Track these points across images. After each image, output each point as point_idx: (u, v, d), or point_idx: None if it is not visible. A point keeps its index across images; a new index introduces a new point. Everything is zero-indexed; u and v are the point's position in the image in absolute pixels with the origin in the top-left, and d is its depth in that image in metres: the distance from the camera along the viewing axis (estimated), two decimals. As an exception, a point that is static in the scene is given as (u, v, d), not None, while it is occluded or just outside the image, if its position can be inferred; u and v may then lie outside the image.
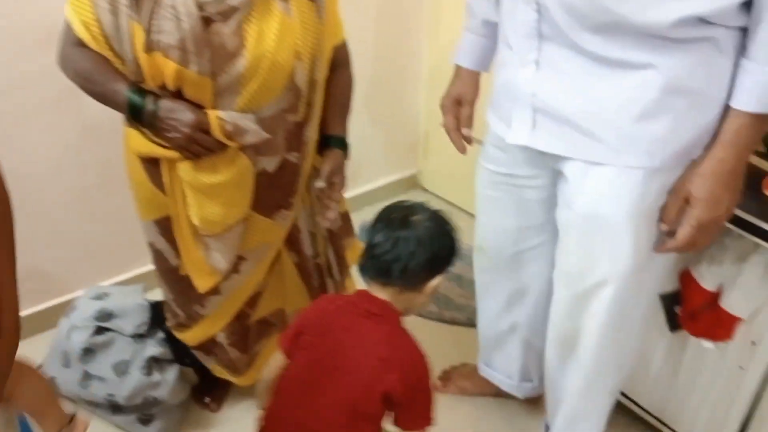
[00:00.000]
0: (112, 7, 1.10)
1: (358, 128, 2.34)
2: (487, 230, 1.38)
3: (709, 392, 1.40)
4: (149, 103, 1.16)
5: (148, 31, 1.10)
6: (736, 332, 1.29)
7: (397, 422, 1.13)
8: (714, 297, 1.28)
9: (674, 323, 1.38)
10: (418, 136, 2.56)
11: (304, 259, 1.49)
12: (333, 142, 1.39)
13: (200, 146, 1.19)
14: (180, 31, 1.09)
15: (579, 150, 1.06)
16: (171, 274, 1.41)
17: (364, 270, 1.12)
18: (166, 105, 1.17)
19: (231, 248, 1.35)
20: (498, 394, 1.67)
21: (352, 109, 1.44)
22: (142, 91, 1.17)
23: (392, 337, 1.10)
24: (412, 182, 2.65)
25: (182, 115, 1.16)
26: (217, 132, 1.18)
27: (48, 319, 1.83)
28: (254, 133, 1.20)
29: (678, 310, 1.36)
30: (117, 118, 1.44)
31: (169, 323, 1.52)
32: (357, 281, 1.61)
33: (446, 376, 1.76)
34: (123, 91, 1.17)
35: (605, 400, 1.31)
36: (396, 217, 1.10)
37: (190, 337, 1.50)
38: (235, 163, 1.24)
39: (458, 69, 1.37)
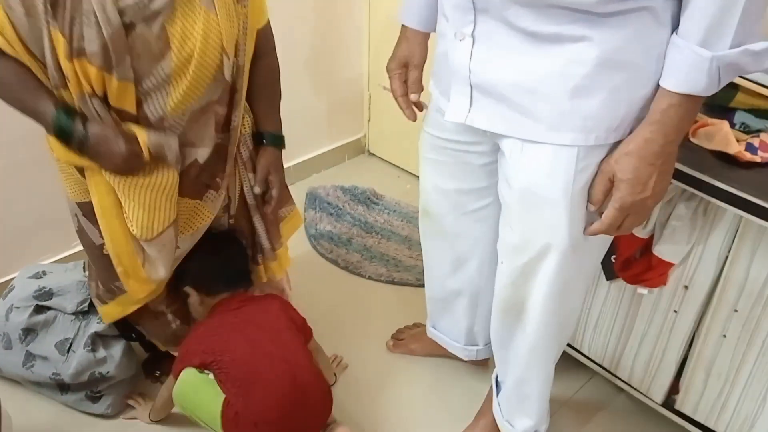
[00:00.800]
0: (26, 10, 1.06)
1: (301, 93, 2.33)
2: (429, 194, 1.38)
3: (647, 336, 1.45)
4: (78, 129, 1.14)
5: (69, 39, 1.07)
6: (669, 277, 1.34)
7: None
8: (646, 244, 1.32)
9: (610, 273, 1.43)
10: (363, 100, 2.54)
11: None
12: (267, 138, 1.41)
13: (131, 168, 1.20)
14: (101, 38, 1.07)
15: (515, 128, 1.04)
16: (94, 250, 1.38)
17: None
18: (96, 132, 1.14)
19: (168, 252, 1.33)
20: (447, 355, 1.70)
21: (280, 95, 1.44)
22: (69, 113, 1.14)
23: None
24: (358, 147, 2.64)
25: (114, 146, 1.15)
26: (147, 156, 1.18)
27: None
28: (174, 152, 1.22)
29: (613, 258, 1.40)
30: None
31: (91, 293, 1.49)
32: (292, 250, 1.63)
33: (398, 336, 1.79)
34: (50, 112, 1.14)
35: (549, 367, 1.34)
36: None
37: (106, 312, 1.46)
38: (160, 171, 1.23)
39: (404, 29, 1.31)
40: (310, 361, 1.45)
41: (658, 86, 0.95)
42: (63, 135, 1.15)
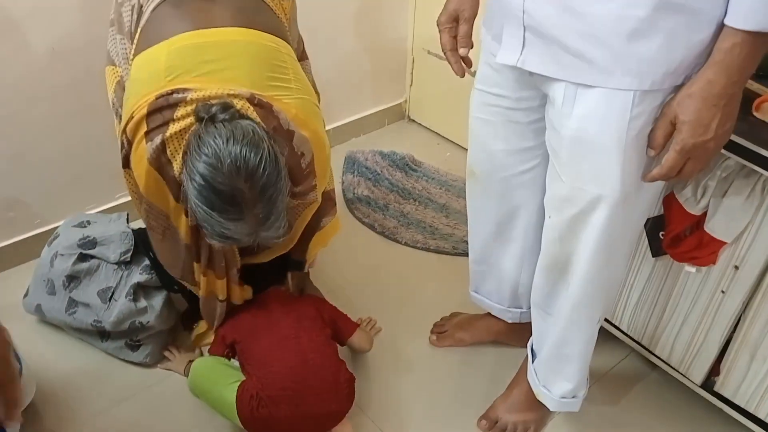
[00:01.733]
0: None
1: (344, 56, 2.30)
2: (478, 154, 1.36)
3: (690, 316, 1.42)
4: None
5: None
6: (719, 257, 1.30)
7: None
8: (698, 221, 1.28)
9: (657, 248, 1.39)
10: (406, 64, 2.50)
11: None
12: (290, 264, 1.59)
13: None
14: None
15: (568, 72, 1.02)
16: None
17: None
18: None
19: None
20: (495, 340, 1.69)
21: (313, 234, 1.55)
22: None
23: None
24: (399, 112, 2.61)
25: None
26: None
27: (31, 249, 1.82)
28: None
29: (661, 235, 1.36)
30: (87, 37, 1.37)
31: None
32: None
33: (439, 330, 1.74)
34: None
35: (592, 328, 1.33)
36: None
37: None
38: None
39: None
40: (329, 349, 1.46)
41: (716, 30, 0.93)
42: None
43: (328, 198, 1.54)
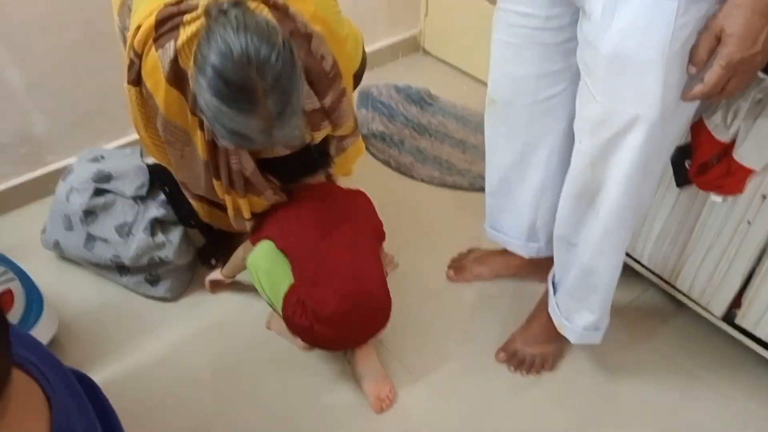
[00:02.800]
0: None
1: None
2: (500, 80, 1.31)
3: (714, 248, 1.40)
4: None
5: None
6: (746, 185, 1.27)
7: None
8: (727, 148, 1.24)
9: (683, 178, 1.36)
10: (422, -7, 2.42)
11: None
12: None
13: None
14: None
15: None
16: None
17: None
18: None
19: None
20: (514, 274, 1.68)
21: None
22: None
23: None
24: (413, 44, 2.54)
25: None
26: None
27: (44, 185, 1.81)
28: None
29: (687, 164, 1.32)
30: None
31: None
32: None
33: (458, 265, 1.73)
34: None
35: (619, 256, 1.30)
36: None
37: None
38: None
39: None
40: (380, 270, 1.43)
41: None
42: None
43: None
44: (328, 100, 1.28)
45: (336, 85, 1.28)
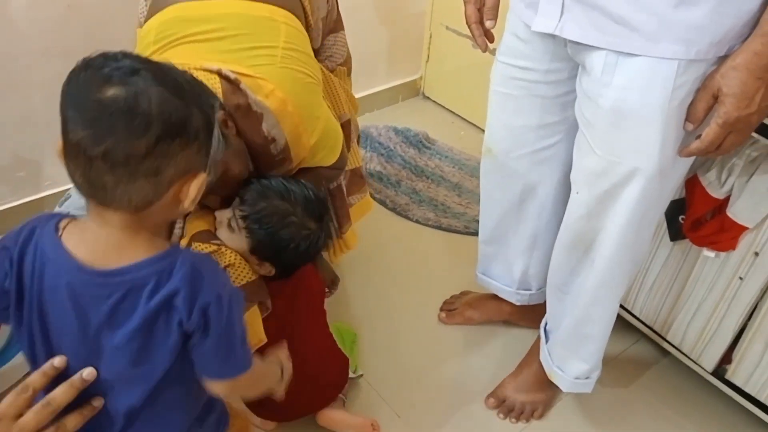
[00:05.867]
0: None
1: (359, 29, 2.25)
2: (497, 130, 1.33)
3: (705, 302, 1.41)
4: None
5: None
6: (739, 242, 1.28)
7: None
8: (720, 205, 1.26)
9: (676, 232, 1.37)
10: (423, 40, 2.46)
11: None
12: None
13: None
14: None
15: (610, 39, 0.99)
16: None
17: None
18: None
19: None
20: (505, 320, 1.68)
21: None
22: None
23: None
24: (414, 89, 2.58)
25: None
26: None
27: (40, 210, 1.81)
28: None
29: (681, 219, 1.34)
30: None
31: None
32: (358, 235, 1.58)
33: (450, 308, 1.72)
34: None
35: (614, 306, 1.31)
36: None
37: None
38: None
39: None
40: (324, 339, 1.39)
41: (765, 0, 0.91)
42: None
43: (357, 175, 1.50)
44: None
45: (283, 169, 1.24)
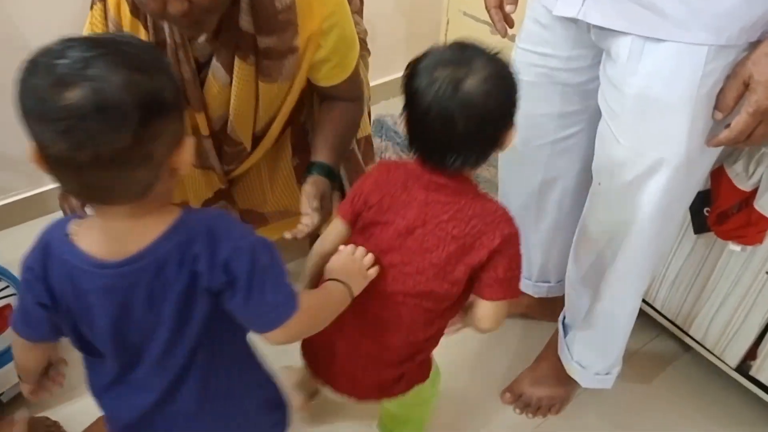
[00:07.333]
0: None
1: (376, 15, 2.22)
2: (518, 119, 1.30)
3: (730, 297, 1.37)
4: None
5: None
6: (767, 236, 1.24)
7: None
8: (747, 198, 1.22)
9: (701, 225, 1.33)
10: (440, 26, 2.42)
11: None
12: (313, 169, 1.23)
13: None
14: None
15: (637, 24, 0.95)
16: None
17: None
18: None
19: None
20: (523, 313, 1.64)
21: (348, 143, 1.35)
22: None
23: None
24: (431, 76, 2.53)
25: None
26: None
27: (48, 202, 1.80)
28: None
29: (706, 211, 1.30)
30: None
31: None
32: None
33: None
34: None
35: (636, 301, 1.27)
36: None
37: None
38: None
39: None
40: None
41: None
42: None
43: (369, 142, 1.48)
44: (266, 41, 1.12)
45: (283, 35, 1.12)
